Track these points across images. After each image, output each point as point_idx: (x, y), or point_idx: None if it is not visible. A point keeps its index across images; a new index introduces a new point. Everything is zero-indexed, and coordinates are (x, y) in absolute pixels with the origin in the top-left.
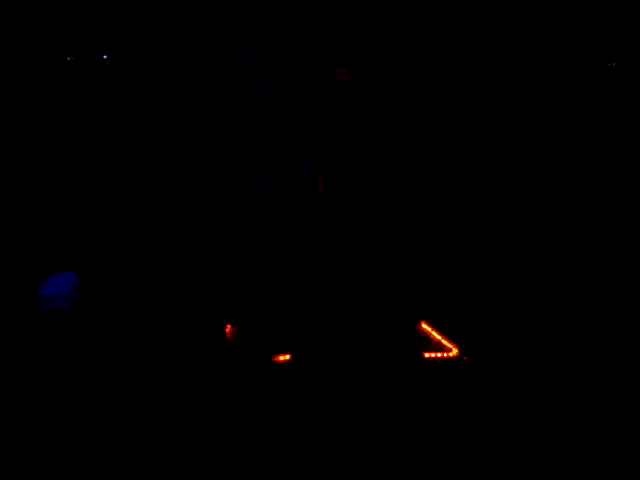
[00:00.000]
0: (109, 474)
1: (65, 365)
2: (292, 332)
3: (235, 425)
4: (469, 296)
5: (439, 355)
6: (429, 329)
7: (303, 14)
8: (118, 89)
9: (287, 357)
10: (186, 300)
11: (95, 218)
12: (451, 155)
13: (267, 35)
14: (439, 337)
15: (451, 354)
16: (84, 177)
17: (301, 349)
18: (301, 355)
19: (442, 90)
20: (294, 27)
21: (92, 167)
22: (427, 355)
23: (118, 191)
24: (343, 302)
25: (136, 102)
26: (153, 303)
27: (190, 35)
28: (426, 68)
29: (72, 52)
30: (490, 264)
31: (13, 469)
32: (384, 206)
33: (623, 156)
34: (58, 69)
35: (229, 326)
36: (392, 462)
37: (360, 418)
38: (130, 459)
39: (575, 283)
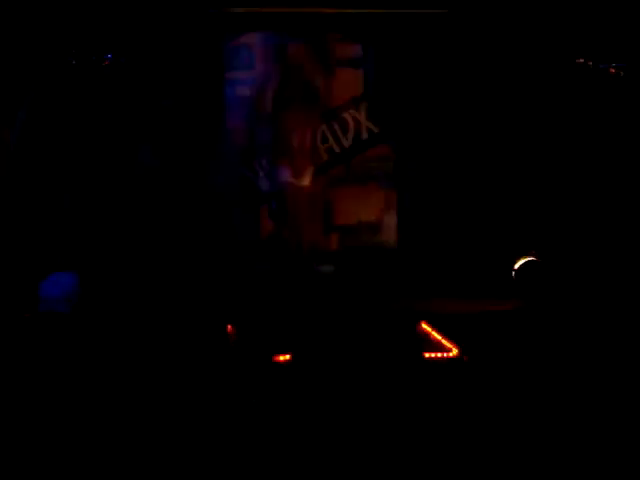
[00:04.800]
0: (109, 474)
1: (65, 366)
2: (292, 332)
3: (235, 425)
4: (469, 296)
5: (439, 355)
6: (429, 329)
7: None
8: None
9: (287, 357)
10: (187, 301)
11: (96, 219)
12: (450, 152)
13: None
14: (439, 337)
15: (451, 354)
16: (85, 178)
17: (301, 349)
18: (301, 355)
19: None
20: None
21: (92, 168)
22: (427, 355)
23: (120, 193)
24: (342, 302)
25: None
26: (154, 304)
27: None
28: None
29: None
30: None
31: (13, 469)
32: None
33: (623, 157)
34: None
35: (230, 326)
36: (392, 461)
37: (360, 417)
38: (130, 459)
39: (575, 283)
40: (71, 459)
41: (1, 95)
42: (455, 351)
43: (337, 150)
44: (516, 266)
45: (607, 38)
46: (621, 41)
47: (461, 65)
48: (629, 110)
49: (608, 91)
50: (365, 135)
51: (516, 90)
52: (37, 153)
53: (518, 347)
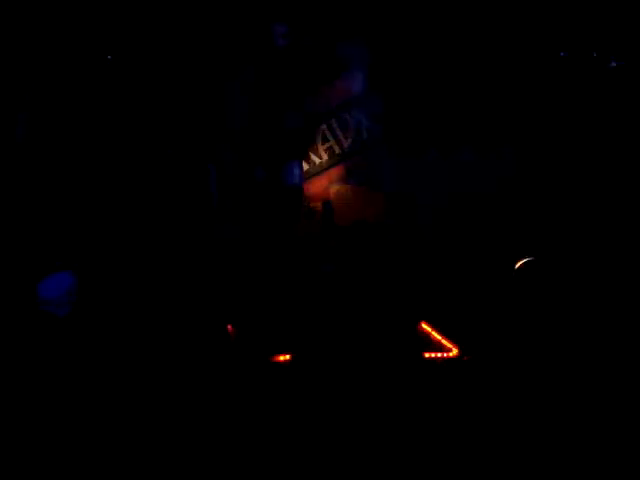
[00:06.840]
0: (109, 474)
1: (65, 366)
2: (292, 332)
3: (235, 425)
4: (468, 297)
5: (439, 355)
6: (429, 329)
7: None
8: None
9: (287, 357)
10: (187, 301)
11: (97, 219)
12: (448, 157)
13: None
14: (439, 337)
15: (451, 354)
16: (84, 178)
17: (301, 349)
18: (301, 355)
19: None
20: None
21: (92, 167)
22: (427, 355)
23: (120, 192)
24: (342, 302)
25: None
26: (153, 304)
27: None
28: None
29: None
30: (488, 265)
31: (12, 469)
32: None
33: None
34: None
35: (230, 326)
36: (392, 460)
37: (360, 417)
38: (130, 458)
39: (575, 284)
40: (71, 459)
41: (1, 95)
42: (455, 351)
43: (337, 151)
44: (516, 266)
45: (607, 33)
46: (621, 37)
47: (460, 65)
48: (629, 109)
49: (607, 89)
50: (365, 135)
51: (516, 89)
52: (37, 153)
53: (518, 347)
